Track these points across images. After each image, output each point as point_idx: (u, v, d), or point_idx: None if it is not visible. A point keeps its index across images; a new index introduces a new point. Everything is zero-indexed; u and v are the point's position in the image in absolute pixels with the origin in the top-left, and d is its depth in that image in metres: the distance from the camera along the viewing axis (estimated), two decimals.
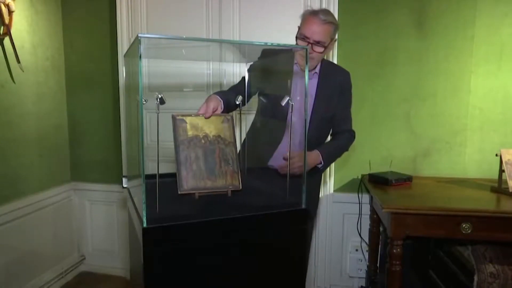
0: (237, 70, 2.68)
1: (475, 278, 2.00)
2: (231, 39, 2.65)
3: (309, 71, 1.86)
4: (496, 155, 2.17)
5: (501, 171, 2.14)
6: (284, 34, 2.59)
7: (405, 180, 2.33)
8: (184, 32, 2.71)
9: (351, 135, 2.07)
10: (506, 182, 2.10)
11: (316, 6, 2.55)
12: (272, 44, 1.71)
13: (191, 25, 2.72)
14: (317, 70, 1.94)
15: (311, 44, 1.78)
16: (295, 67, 1.87)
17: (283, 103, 1.43)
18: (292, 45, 1.75)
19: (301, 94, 1.79)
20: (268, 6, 2.62)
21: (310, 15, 1.79)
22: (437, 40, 2.51)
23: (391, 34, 2.55)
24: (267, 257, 1.34)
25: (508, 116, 2.45)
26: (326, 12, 1.82)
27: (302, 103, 1.77)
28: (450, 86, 2.52)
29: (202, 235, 1.25)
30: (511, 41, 2.42)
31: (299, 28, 1.83)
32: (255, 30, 2.64)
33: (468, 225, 1.86)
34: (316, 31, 1.77)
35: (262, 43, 1.71)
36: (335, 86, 1.96)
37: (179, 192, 1.43)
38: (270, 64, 1.84)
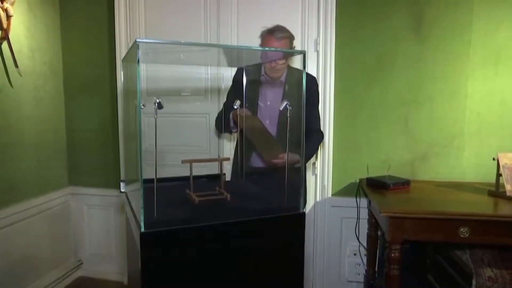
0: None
1: (474, 282, 2.00)
2: (229, 43, 2.65)
3: (275, 80, 2.11)
4: (494, 159, 2.17)
5: (499, 175, 2.14)
6: None
7: (403, 184, 2.33)
8: (182, 37, 2.72)
9: (319, 136, 2.25)
10: (503, 185, 2.10)
11: (313, 9, 2.58)
12: (269, 49, 1.72)
13: (189, 29, 2.73)
14: (282, 78, 2.12)
15: (274, 60, 1.98)
16: (262, 78, 2.11)
17: (281, 107, 1.45)
18: (288, 50, 1.76)
19: (271, 100, 2.12)
20: (266, 10, 2.64)
21: (267, 35, 1.98)
22: (435, 44, 2.52)
23: (389, 38, 2.56)
24: (265, 261, 1.34)
25: (505, 120, 2.46)
26: (281, 28, 2.00)
27: (273, 109, 2.10)
28: (448, 90, 2.53)
29: (201, 239, 1.24)
30: (508, 45, 2.43)
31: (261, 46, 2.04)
32: (253, 33, 2.64)
33: (466, 229, 1.86)
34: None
35: (260, 48, 1.73)
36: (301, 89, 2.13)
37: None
38: (245, 78, 2.06)
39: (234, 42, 2.68)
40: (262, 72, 2.12)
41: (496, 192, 2.15)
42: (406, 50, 2.55)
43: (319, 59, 2.62)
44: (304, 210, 1.37)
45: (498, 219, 1.85)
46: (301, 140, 1.47)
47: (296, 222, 1.36)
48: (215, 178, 1.80)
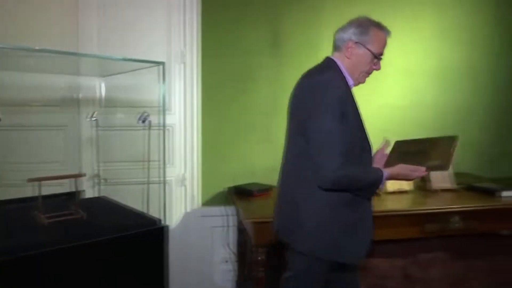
0: (94, 84, 2.51)
1: None
2: (89, 51, 2.48)
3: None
4: None
5: None
6: (146, 48, 2.54)
7: (267, 190, 2.47)
8: (35, 42, 2.44)
9: None
10: None
11: (180, 21, 2.58)
12: (130, 59, 1.67)
13: (43, 34, 2.47)
14: None
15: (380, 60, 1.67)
16: (351, 85, 1.67)
17: (142, 119, 1.41)
18: (147, 60, 1.73)
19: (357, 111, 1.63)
20: (129, 19, 2.54)
21: (385, 34, 1.65)
22: (291, 60, 2.75)
23: (251, 52, 2.71)
24: (125, 280, 1.28)
25: None
26: None
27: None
28: None
29: (49, 265, 1.13)
30: None
31: (374, 44, 1.62)
32: (115, 42, 2.53)
33: None
34: None
35: (120, 58, 1.66)
36: None
37: None
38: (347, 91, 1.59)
39: (95, 51, 2.51)
40: (351, 80, 1.64)
41: None
42: (266, 64, 2.73)
43: (186, 70, 2.63)
44: (164, 224, 1.35)
45: None
46: (163, 151, 1.45)
47: (156, 237, 1.33)
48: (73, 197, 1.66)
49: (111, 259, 1.26)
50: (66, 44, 2.48)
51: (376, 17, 2.76)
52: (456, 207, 2.22)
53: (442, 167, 1.57)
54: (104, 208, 1.68)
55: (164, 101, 1.39)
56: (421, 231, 2.20)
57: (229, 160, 2.71)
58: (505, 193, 2.43)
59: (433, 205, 2.24)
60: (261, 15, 2.70)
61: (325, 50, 2.74)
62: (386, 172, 1.53)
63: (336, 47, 1.69)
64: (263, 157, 2.75)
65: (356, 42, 1.61)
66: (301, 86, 1.64)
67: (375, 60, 1.63)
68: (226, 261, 2.78)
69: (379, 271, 2.30)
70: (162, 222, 1.37)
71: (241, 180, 2.64)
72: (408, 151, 1.71)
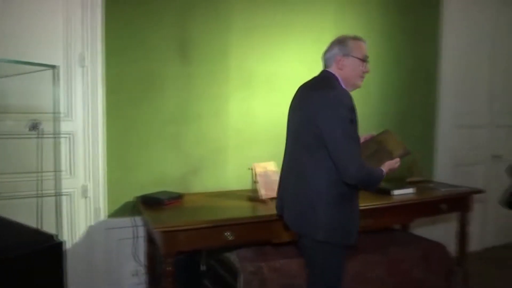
0: None
1: (240, 278, 2.25)
2: None
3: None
4: (250, 168, 2.52)
5: (255, 182, 2.50)
6: (43, 49, 2.34)
7: (177, 198, 2.43)
8: None
9: None
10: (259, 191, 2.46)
11: (77, 21, 2.42)
12: (16, 61, 1.53)
13: None
14: None
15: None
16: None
17: (31, 126, 1.30)
18: (38, 63, 1.60)
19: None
20: (22, 18, 2.31)
21: (361, 42, 1.92)
22: (200, 68, 2.74)
23: (158, 59, 2.63)
24: None
25: (257, 135, 2.89)
26: None
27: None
28: (213, 109, 2.79)
29: None
30: (256, 71, 2.88)
31: (357, 51, 1.88)
32: (5, 43, 2.28)
33: (230, 232, 2.08)
34: None
35: (5, 60, 1.51)
36: None
37: None
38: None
39: None
40: (348, 87, 1.91)
41: (253, 197, 2.50)
42: (175, 72, 2.68)
43: (88, 74, 2.48)
44: (60, 240, 1.25)
45: (255, 220, 2.15)
46: (56, 161, 1.35)
47: (52, 254, 1.22)
48: None
49: (2, 283, 1.13)
50: None
51: (279, 25, 2.90)
52: None
53: (407, 153, 1.97)
54: None
55: (55, 107, 1.29)
56: None
57: (137, 168, 2.61)
58: (396, 192, 2.70)
59: None
60: (168, 21, 2.64)
61: (234, 57, 2.81)
62: (384, 170, 1.86)
63: (327, 65, 1.95)
64: (173, 165, 2.70)
65: (343, 55, 1.89)
66: (311, 99, 1.84)
67: (364, 63, 1.91)
68: (136, 274, 2.67)
69: (288, 271, 2.38)
70: (59, 237, 1.27)
71: (150, 189, 2.55)
72: (370, 154, 2.01)
